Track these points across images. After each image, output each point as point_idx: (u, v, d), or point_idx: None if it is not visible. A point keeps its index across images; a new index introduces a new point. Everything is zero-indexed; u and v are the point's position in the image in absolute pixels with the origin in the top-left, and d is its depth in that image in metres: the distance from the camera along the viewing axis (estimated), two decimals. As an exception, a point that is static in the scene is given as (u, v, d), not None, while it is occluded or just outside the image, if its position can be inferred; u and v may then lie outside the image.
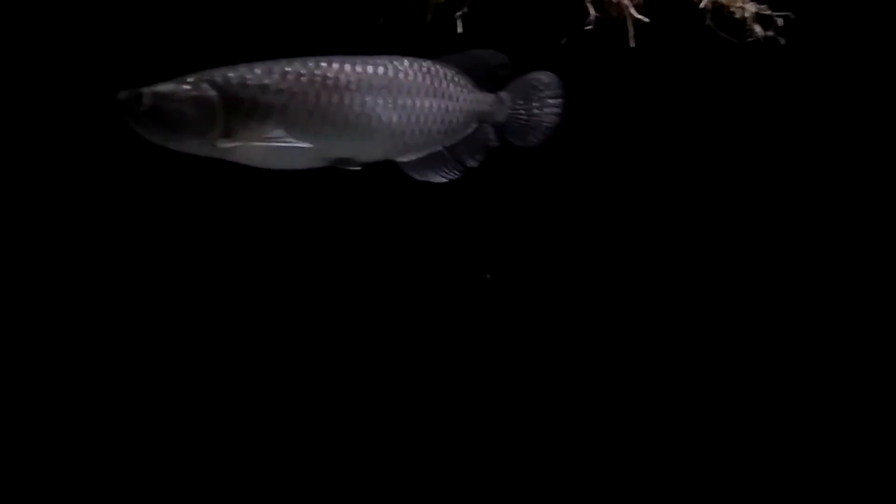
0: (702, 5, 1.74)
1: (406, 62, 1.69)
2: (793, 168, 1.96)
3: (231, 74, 1.64)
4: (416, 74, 1.69)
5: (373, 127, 1.67)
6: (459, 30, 1.73)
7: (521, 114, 1.76)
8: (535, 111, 1.76)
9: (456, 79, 1.72)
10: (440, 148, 1.73)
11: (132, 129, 1.64)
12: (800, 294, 2.00)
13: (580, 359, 2.03)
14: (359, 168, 1.69)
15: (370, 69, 1.67)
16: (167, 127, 1.62)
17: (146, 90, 1.62)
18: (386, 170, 1.73)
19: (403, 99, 1.68)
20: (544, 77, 1.76)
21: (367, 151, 1.69)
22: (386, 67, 1.67)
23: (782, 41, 1.75)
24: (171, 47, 1.82)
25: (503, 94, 1.76)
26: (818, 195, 1.97)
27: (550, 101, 1.77)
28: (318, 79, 1.64)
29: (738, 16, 1.75)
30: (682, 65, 1.89)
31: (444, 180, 1.75)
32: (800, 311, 1.99)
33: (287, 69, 1.64)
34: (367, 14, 1.79)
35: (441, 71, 1.71)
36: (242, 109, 1.63)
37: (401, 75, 1.68)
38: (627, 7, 1.72)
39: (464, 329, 2.01)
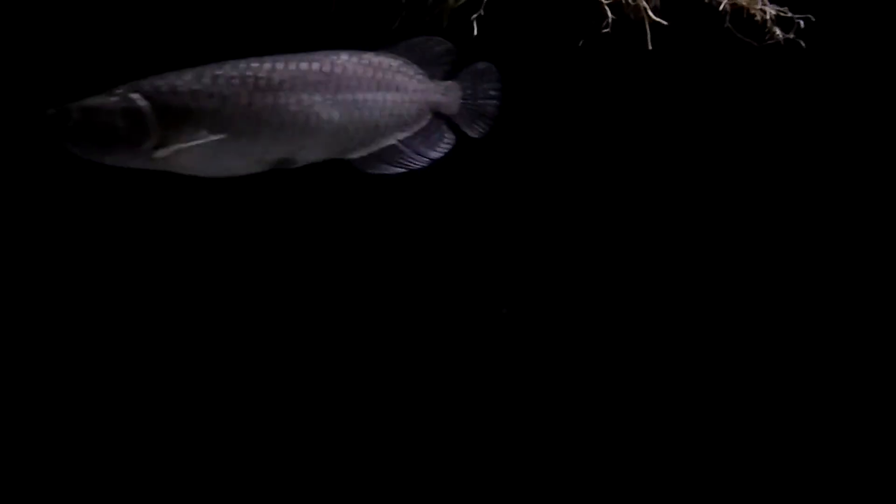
0: (721, 7, 1.72)
1: (344, 56, 1.65)
2: (811, 169, 1.95)
3: (160, 82, 1.60)
4: (356, 68, 1.64)
5: (312, 125, 1.62)
6: (475, 33, 1.72)
7: (469, 103, 1.73)
8: (481, 101, 1.73)
9: (402, 69, 1.68)
10: (393, 142, 1.69)
11: (62, 146, 1.60)
12: (795, 293, 1.99)
13: (565, 356, 2.02)
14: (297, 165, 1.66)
15: (304, 66, 1.63)
16: (98, 141, 1.59)
17: (74, 105, 1.58)
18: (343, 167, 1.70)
19: (344, 94, 1.64)
20: (485, 66, 1.73)
21: (310, 150, 1.65)
22: (322, 63, 1.63)
23: (803, 44, 1.73)
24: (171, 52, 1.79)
25: (454, 83, 1.72)
26: (836, 196, 1.96)
27: (492, 91, 1.73)
28: (250, 80, 1.60)
29: (758, 18, 1.73)
30: (700, 67, 1.88)
31: (402, 171, 1.70)
32: (793, 310, 1.99)
33: (217, 73, 1.60)
34: (384, 19, 1.78)
35: (385, 62, 1.67)
36: (175, 117, 1.59)
37: (338, 69, 1.64)
38: (645, 9, 1.70)
39: (444, 324, 2.00)
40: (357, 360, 2.00)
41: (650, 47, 1.70)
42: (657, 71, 1.83)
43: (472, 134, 1.73)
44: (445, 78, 1.72)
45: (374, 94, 1.65)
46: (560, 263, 2.00)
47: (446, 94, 1.71)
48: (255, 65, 1.61)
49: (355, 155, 1.67)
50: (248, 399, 1.98)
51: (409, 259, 1.99)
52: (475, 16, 1.72)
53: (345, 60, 1.64)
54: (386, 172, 1.69)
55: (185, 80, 1.60)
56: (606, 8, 1.70)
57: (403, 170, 1.70)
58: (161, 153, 1.59)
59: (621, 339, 2.01)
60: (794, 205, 1.96)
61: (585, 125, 1.89)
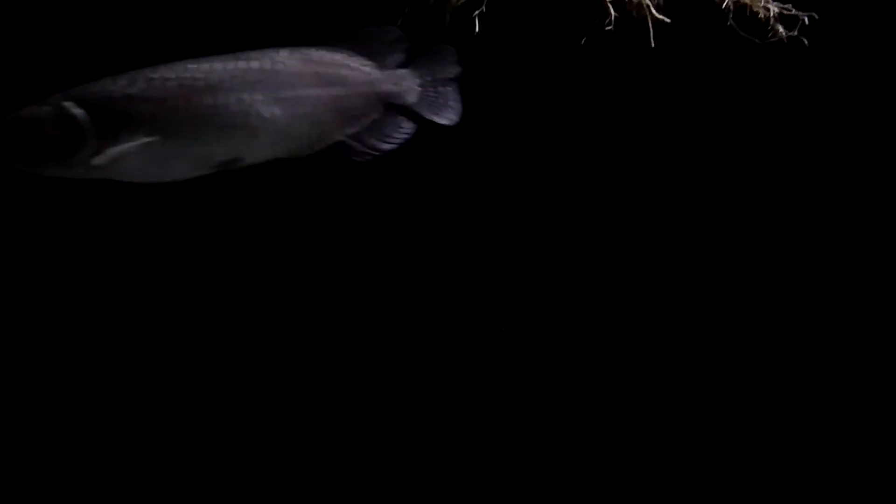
0: (724, 5, 1.72)
1: (284, 52, 1.61)
2: (815, 167, 1.95)
3: (94, 89, 1.56)
4: (296, 64, 1.61)
5: (254, 124, 1.58)
6: (477, 30, 1.71)
7: (429, 90, 1.68)
8: (441, 87, 1.69)
9: (347, 62, 1.64)
10: (341, 137, 1.65)
11: None
12: (799, 291, 1.99)
13: (554, 354, 2.02)
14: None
15: (243, 65, 1.59)
16: (33, 153, 1.54)
17: (4, 117, 1.55)
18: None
19: (285, 91, 1.60)
20: (440, 49, 1.70)
21: (255, 150, 1.61)
22: (261, 61, 1.60)
23: (805, 41, 1.73)
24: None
25: (406, 71, 1.68)
26: (839, 194, 1.96)
27: (451, 74, 1.69)
28: (186, 81, 1.57)
29: (761, 16, 1.73)
30: (703, 65, 1.87)
31: (348, 167, 1.66)
32: (792, 309, 1.99)
33: (152, 76, 1.57)
34: (386, 17, 1.76)
35: (327, 56, 1.63)
36: (111, 124, 1.55)
37: (278, 67, 1.60)
38: (648, 7, 1.70)
39: (427, 321, 2.00)
40: (340, 356, 2.00)
41: (653, 45, 1.70)
42: (660, 68, 1.82)
43: (442, 121, 1.69)
44: (401, 67, 1.68)
45: (317, 90, 1.61)
46: (560, 264, 2.01)
47: (398, 84, 1.67)
48: (191, 66, 1.58)
49: (303, 153, 1.64)
50: (230, 398, 1.98)
51: (389, 253, 1.98)
52: (477, 13, 1.71)
53: (284, 57, 1.61)
54: (335, 169, 1.67)
55: (120, 85, 1.56)
56: (609, 6, 1.70)
57: (353, 165, 1.66)
58: (98, 161, 1.55)
59: (612, 337, 2.01)
60: (797, 202, 1.96)
61: (588, 123, 1.89)
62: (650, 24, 1.70)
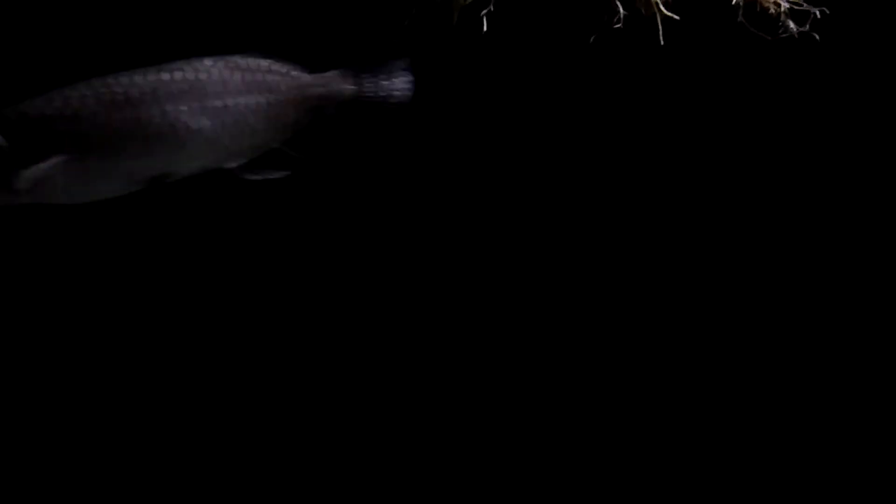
0: (734, 1, 1.70)
1: (208, 61, 1.59)
2: (826, 166, 1.94)
3: (9, 113, 1.54)
4: (221, 73, 1.58)
5: (181, 137, 1.56)
6: (485, 29, 1.70)
7: (368, 88, 1.66)
8: (384, 82, 1.66)
9: (274, 68, 1.62)
10: (274, 145, 1.63)
11: None
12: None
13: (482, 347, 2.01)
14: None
15: (166, 76, 1.57)
16: None
17: None
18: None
19: (211, 101, 1.57)
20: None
21: (184, 164, 1.59)
22: (184, 71, 1.57)
23: (817, 37, 1.71)
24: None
25: (337, 73, 1.66)
26: (848, 192, 1.95)
27: (401, 70, 1.67)
28: (106, 97, 1.55)
29: (771, 11, 1.71)
30: (713, 62, 1.86)
31: (286, 174, 1.64)
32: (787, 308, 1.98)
33: (70, 93, 1.55)
34: (393, 16, 1.75)
35: (253, 63, 1.61)
36: (30, 147, 1.53)
37: (202, 76, 1.57)
38: (657, 3, 1.68)
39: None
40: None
41: (662, 42, 1.69)
42: (669, 66, 1.81)
43: (386, 117, 1.68)
44: (334, 68, 1.66)
45: (244, 98, 1.59)
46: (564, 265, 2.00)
47: (328, 86, 1.65)
48: (111, 80, 1.56)
49: (234, 163, 1.61)
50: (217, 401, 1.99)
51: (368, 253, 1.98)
52: (485, 12, 1.70)
53: (209, 66, 1.59)
54: (270, 177, 1.64)
55: (36, 105, 1.54)
56: (618, 3, 1.68)
57: (288, 172, 1.64)
58: (20, 185, 1.53)
59: (608, 336, 2.01)
60: (807, 201, 1.95)
61: (597, 121, 1.88)
62: (659, 21, 1.69)
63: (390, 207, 1.97)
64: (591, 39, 1.71)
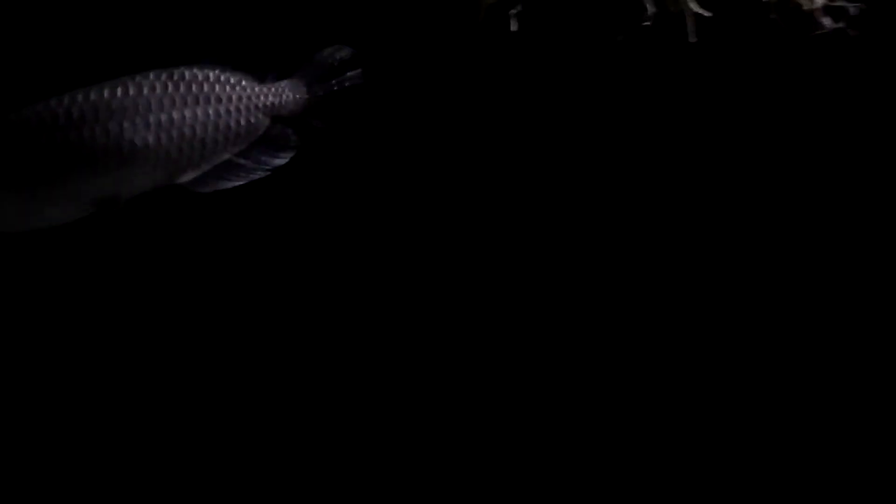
0: (766, -2, 1.68)
1: (152, 75, 1.56)
2: (862, 166, 1.89)
3: None
4: (166, 86, 1.56)
5: (126, 154, 1.53)
6: (514, 28, 1.68)
7: (320, 95, 1.64)
8: (336, 88, 1.65)
9: (222, 78, 1.59)
10: (226, 156, 1.60)
11: None
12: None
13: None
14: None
15: (107, 93, 1.53)
16: None
17: None
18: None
19: (156, 115, 1.55)
20: (337, 51, 1.65)
21: (133, 182, 1.56)
22: (126, 87, 1.54)
23: (853, 33, 1.68)
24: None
25: (292, 81, 1.64)
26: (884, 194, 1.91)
27: (350, 73, 1.65)
28: (47, 119, 1.53)
29: (805, 8, 1.68)
30: (745, 60, 1.83)
31: (241, 183, 1.62)
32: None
33: (11, 118, 1.53)
34: (416, 15, 1.77)
35: (200, 74, 1.58)
36: None
37: (146, 91, 1.54)
38: (686, 1, 1.66)
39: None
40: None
41: (693, 40, 1.66)
42: (698, 64, 1.79)
43: (323, 126, 1.66)
44: (286, 77, 1.65)
45: (191, 111, 1.57)
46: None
47: (279, 95, 1.63)
48: (53, 102, 1.54)
49: (185, 178, 1.58)
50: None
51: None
52: (514, 11, 1.68)
53: (153, 80, 1.55)
54: (224, 188, 1.61)
55: None
56: (647, 2, 1.66)
57: (243, 181, 1.62)
58: None
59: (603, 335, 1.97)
60: (835, 201, 1.91)
61: (624, 120, 1.85)
62: (689, 19, 1.66)
63: (392, 210, 1.96)
64: (620, 39, 1.69)
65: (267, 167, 1.62)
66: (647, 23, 1.66)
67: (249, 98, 1.60)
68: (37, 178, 1.53)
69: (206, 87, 1.58)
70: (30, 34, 1.84)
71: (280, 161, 1.62)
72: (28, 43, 1.84)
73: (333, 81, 1.65)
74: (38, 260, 1.86)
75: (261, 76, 1.63)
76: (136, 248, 1.87)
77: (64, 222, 1.57)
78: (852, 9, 1.68)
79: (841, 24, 1.68)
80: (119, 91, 1.55)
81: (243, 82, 1.60)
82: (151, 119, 1.54)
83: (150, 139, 1.54)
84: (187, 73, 1.57)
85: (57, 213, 1.56)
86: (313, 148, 1.69)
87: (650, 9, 1.66)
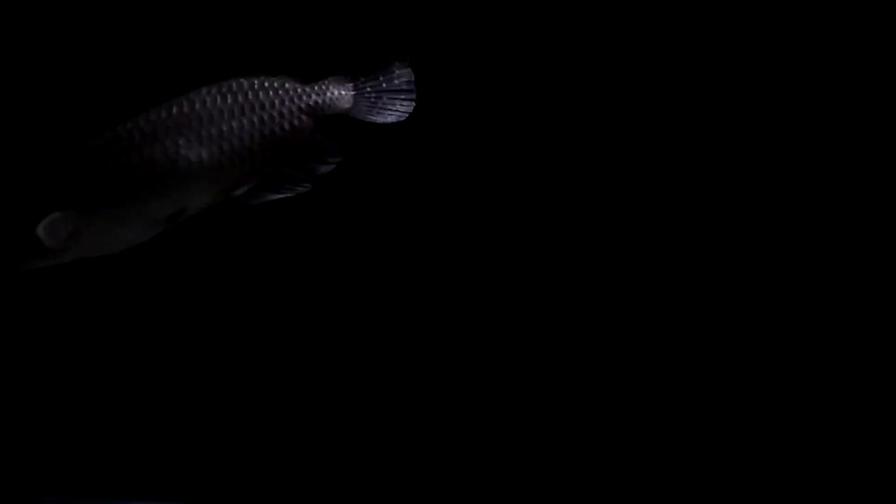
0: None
1: (204, 90, 1.59)
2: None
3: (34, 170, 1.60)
4: (214, 99, 1.59)
5: (183, 170, 1.57)
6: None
7: (368, 92, 1.64)
8: (385, 84, 1.65)
9: (266, 85, 1.62)
10: (276, 166, 1.63)
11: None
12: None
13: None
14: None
15: (163, 113, 1.57)
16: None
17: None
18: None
19: (207, 129, 1.59)
20: (382, 45, 1.66)
21: (195, 198, 1.60)
22: (180, 104, 1.57)
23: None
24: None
25: (335, 78, 1.64)
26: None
27: (399, 70, 1.65)
28: (114, 144, 1.57)
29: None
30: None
31: (288, 195, 1.64)
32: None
33: (87, 145, 1.59)
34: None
35: (245, 83, 1.60)
36: (53, 207, 1.57)
37: (197, 106, 1.58)
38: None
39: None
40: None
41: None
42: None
43: (385, 120, 1.65)
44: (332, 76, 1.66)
45: (238, 121, 1.60)
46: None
47: (324, 94, 1.63)
48: (119, 127, 1.59)
49: (239, 191, 1.61)
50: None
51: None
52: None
53: (203, 95, 1.59)
54: (271, 199, 1.64)
55: (55, 163, 1.59)
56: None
57: (290, 194, 1.64)
58: (51, 243, 1.58)
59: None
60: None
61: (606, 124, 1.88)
62: None
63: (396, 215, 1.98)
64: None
65: (311, 176, 1.63)
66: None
67: (292, 100, 1.62)
68: (107, 200, 1.57)
69: (250, 95, 1.61)
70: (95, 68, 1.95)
71: (325, 169, 1.63)
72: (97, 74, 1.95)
73: (381, 78, 1.64)
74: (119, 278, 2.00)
75: (304, 76, 1.63)
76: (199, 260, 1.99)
77: (138, 242, 1.61)
78: None
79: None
80: (174, 109, 1.59)
81: (287, 86, 1.62)
82: (203, 133, 1.59)
83: (204, 154, 1.59)
84: (234, 84, 1.60)
85: (131, 235, 1.60)
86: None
87: None
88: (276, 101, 1.61)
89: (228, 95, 1.60)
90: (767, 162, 1.90)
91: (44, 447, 2.12)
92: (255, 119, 1.60)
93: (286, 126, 1.61)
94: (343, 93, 1.62)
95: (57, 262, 1.60)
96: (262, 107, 1.61)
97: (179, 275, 2.04)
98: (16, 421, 2.14)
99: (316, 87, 1.61)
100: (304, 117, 1.61)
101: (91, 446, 2.11)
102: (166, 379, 2.08)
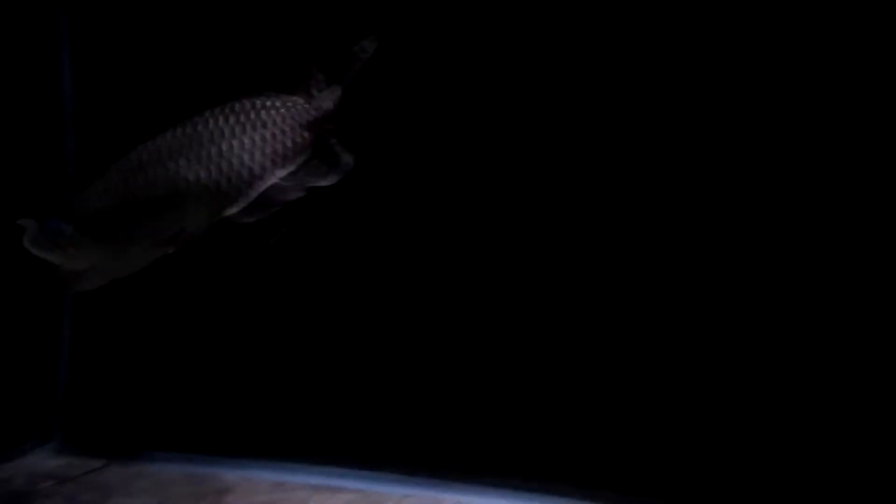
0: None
1: (207, 112, 1.61)
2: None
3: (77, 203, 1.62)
4: (215, 119, 1.59)
5: (182, 190, 1.58)
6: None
7: (351, 88, 1.65)
8: (359, 70, 1.64)
9: (267, 103, 1.62)
10: (274, 180, 1.61)
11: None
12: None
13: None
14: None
15: (169, 135, 1.60)
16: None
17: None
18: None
19: (206, 149, 1.59)
20: (367, 44, 1.64)
21: (194, 216, 1.60)
22: (185, 126, 1.60)
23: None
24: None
25: (330, 89, 1.64)
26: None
27: (362, 48, 1.64)
28: (124, 166, 1.61)
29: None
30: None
31: (277, 209, 1.62)
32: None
33: (108, 180, 1.62)
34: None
35: (247, 103, 1.61)
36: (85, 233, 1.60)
37: (199, 127, 1.59)
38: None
39: None
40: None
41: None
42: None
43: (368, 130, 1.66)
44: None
45: (238, 139, 1.59)
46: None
47: (322, 107, 1.63)
48: (131, 153, 1.61)
49: (236, 208, 1.61)
50: None
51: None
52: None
53: (206, 116, 1.60)
54: (264, 215, 1.63)
55: (95, 193, 1.62)
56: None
57: (278, 207, 1.63)
58: (75, 266, 1.61)
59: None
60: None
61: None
62: None
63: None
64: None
65: (305, 189, 1.63)
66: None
67: (293, 117, 1.61)
68: (116, 224, 1.59)
69: (252, 115, 1.59)
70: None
71: (325, 182, 1.63)
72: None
73: (362, 77, 1.62)
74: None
75: (304, 93, 1.63)
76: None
77: (149, 262, 1.63)
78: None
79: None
80: (179, 131, 1.60)
81: (288, 104, 1.62)
82: (202, 152, 1.58)
83: (202, 173, 1.58)
84: (237, 105, 1.60)
85: (140, 255, 1.62)
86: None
87: None
88: (278, 119, 1.60)
89: (230, 115, 1.59)
90: (753, 162, 1.88)
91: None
92: (257, 137, 1.59)
93: (288, 143, 1.61)
94: (335, 101, 1.62)
95: (85, 287, 1.63)
96: (264, 125, 1.59)
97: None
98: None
99: (314, 102, 1.61)
100: (305, 133, 1.61)
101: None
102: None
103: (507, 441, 2.05)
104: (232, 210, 1.61)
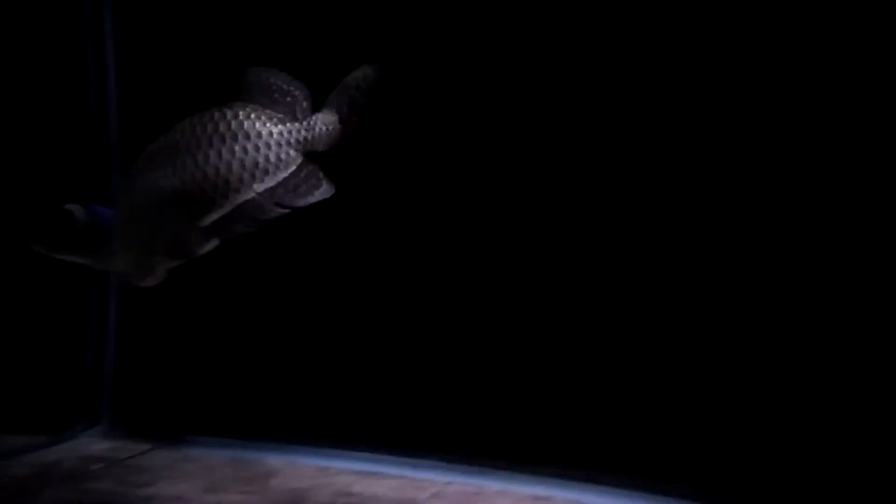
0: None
1: (189, 118, 1.58)
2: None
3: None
4: (196, 127, 1.57)
5: (156, 198, 1.57)
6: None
7: (353, 122, 1.59)
8: (361, 103, 1.60)
9: (254, 115, 1.57)
10: (251, 195, 1.57)
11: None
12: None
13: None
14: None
15: (154, 145, 1.59)
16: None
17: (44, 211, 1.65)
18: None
19: (184, 158, 1.56)
20: (361, 73, 1.60)
21: (171, 224, 1.58)
22: (168, 135, 1.58)
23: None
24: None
25: (323, 113, 1.60)
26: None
27: (368, 81, 1.60)
28: (130, 173, 1.61)
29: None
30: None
31: (256, 228, 1.59)
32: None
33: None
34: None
35: (230, 112, 1.58)
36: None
37: (179, 135, 1.57)
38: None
39: None
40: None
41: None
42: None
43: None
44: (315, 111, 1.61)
45: (217, 150, 1.56)
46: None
47: (312, 129, 1.59)
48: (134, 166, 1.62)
49: (214, 216, 1.58)
50: None
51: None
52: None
53: (186, 123, 1.58)
54: (244, 232, 1.61)
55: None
56: None
57: (257, 227, 1.60)
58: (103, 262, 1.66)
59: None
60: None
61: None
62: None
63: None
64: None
65: (286, 209, 1.60)
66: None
67: (281, 133, 1.57)
68: (120, 233, 1.62)
69: (234, 125, 1.56)
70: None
71: (302, 202, 1.59)
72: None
73: (365, 106, 1.58)
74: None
75: (295, 112, 1.59)
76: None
77: (142, 272, 1.64)
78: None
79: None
80: (162, 140, 1.59)
81: (277, 118, 1.58)
82: (179, 162, 1.56)
83: (176, 182, 1.56)
84: (217, 113, 1.57)
85: (125, 265, 1.64)
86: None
87: None
88: (263, 132, 1.56)
89: (213, 124, 1.55)
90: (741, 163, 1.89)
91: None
92: (237, 148, 1.55)
93: (271, 158, 1.56)
94: (329, 127, 1.58)
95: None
96: (248, 136, 1.55)
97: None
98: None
99: (305, 123, 1.57)
100: (291, 151, 1.57)
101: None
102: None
103: (549, 430, 2.06)
104: (211, 218, 1.59)
